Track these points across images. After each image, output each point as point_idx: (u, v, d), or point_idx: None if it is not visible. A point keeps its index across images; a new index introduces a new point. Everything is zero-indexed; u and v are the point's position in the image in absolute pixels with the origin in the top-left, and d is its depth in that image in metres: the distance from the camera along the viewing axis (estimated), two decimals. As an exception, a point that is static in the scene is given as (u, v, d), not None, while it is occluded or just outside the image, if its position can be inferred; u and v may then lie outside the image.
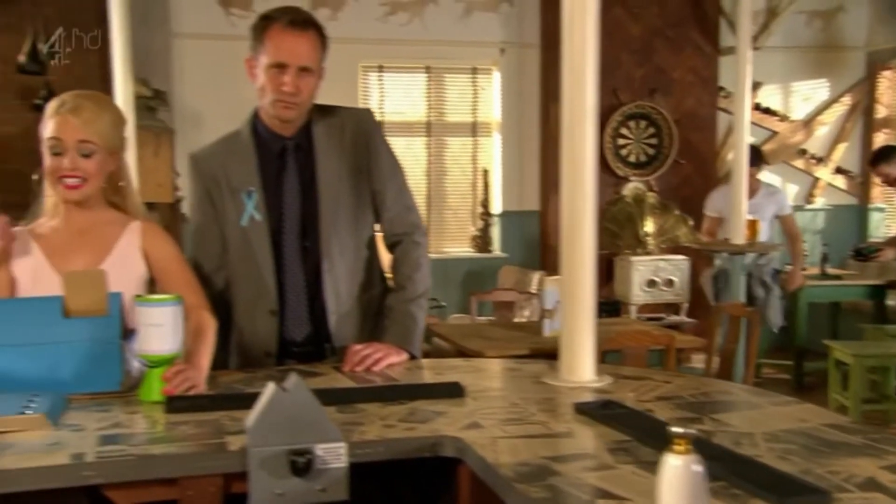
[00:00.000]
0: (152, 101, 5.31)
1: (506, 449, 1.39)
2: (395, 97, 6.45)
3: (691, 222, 6.48)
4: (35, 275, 1.86)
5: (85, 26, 5.90)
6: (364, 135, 2.12)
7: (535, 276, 5.85)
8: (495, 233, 6.74)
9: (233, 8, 6.14)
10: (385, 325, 2.08)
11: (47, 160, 1.86)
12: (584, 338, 1.85)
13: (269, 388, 1.40)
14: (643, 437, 1.41)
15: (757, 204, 5.39)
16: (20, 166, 5.98)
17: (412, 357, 2.05)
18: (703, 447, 1.09)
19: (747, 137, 4.98)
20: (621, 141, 6.46)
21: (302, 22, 2.00)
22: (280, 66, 1.98)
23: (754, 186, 5.39)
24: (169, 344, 1.68)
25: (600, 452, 1.37)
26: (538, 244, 6.77)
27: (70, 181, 1.84)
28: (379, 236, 2.20)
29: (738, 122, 4.96)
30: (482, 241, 6.61)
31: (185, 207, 5.89)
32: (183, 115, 6.04)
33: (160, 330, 1.67)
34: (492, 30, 6.48)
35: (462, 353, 3.59)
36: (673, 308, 6.49)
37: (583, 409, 1.60)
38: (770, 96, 6.81)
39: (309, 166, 2.08)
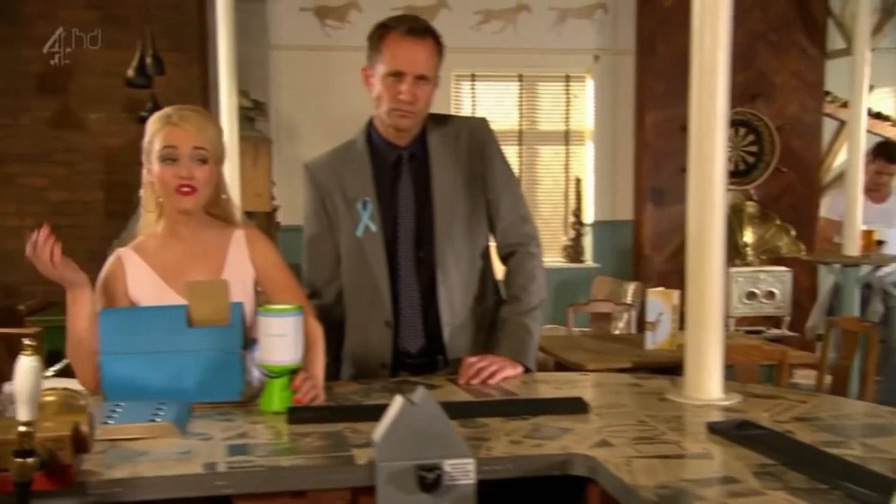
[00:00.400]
0: (251, 112, 5.43)
1: (642, 469, 1.33)
2: (487, 106, 6.42)
3: (793, 232, 6.25)
4: (156, 298, 1.86)
5: (188, 41, 6.09)
6: (479, 144, 2.10)
7: (630, 287, 5.72)
8: (587, 242, 6.63)
9: (328, 19, 6.23)
10: (499, 337, 2.04)
11: (160, 170, 1.84)
12: (711, 354, 1.77)
13: (397, 402, 1.38)
14: (790, 461, 1.33)
15: (887, 210, 4.98)
16: (126, 177, 6.21)
17: (527, 370, 2.00)
18: None
19: (863, 142, 4.76)
20: (719, 148, 6.27)
21: (420, 30, 1.99)
22: (397, 75, 1.97)
23: (885, 191, 4.97)
24: (291, 354, 1.68)
25: (745, 476, 1.29)
26: (631, 254, 6.63)
27: (186, 189, 1.85)
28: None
29: (853, 126, 4.74)
30: (574, 251, 6.52)
31: (280, 216, 5.99)
32: (279, 125, 6.16)
33: (282, 340, 1.66)
34: (585, 37, 6.39)
35: (562, 365, 3.52)
36: (773, 321, 6.27)
37: (717, 429, 1.52)
38: (882, 100, 6.50)
39: (424, 176, 2.06)
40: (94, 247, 6.21)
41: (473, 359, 1.94)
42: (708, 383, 1.76)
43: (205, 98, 6.14)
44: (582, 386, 1.90)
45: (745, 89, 6.22)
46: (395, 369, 2.06)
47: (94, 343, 1.78)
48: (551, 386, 1.92)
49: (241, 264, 1.94)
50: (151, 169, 1.88)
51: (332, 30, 6.24)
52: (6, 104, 5.85)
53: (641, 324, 5.33)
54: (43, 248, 1.69)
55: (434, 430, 1.37)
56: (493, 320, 2.10)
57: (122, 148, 6.10)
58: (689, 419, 1.64)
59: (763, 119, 6.20)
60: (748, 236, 6.12)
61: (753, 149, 6.27)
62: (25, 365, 1.15)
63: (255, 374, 1.80)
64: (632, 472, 1.32)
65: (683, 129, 6.82)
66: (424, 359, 2.06)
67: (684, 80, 7.05)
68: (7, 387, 1.87)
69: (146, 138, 1.88)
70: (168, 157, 1.84)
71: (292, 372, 1.70)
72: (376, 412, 1.66)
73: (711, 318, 1.78)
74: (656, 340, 3.71)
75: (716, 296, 1.78)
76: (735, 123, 6.25)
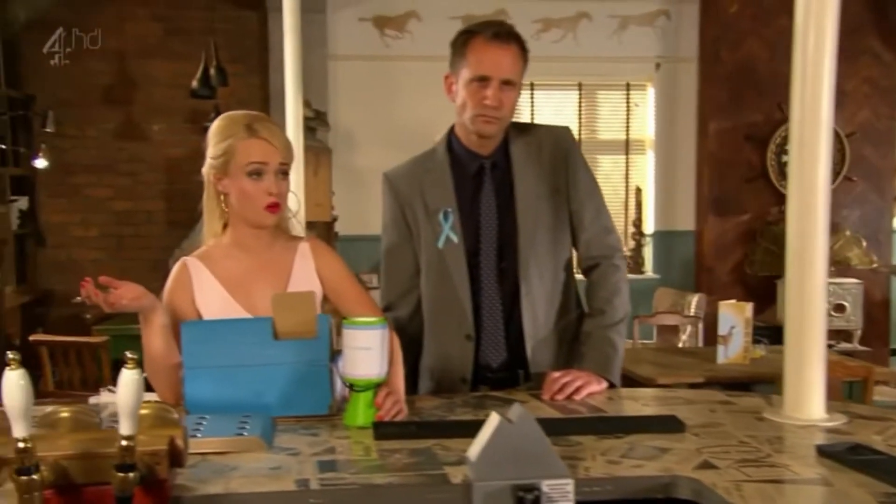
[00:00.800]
0: (313, 122, 5.44)
1: (755, 495, 1.26)
2: (545, 114, 6.36)
3: (864, 243, 6.06)
4: (221, 310, 1.83)
5: (249, 52, 6.16)
6: (562, 153, 2.04)
7: (693, 299, 5.59)
8: (647, 253, 6.52)
9: (387, 29, 6.24)
10: (582, 351, 1.98)
11: (246, 184, 1.79)
12: (813, 371, 1.68)
13: (493, 419, 1.32)
14: (917, 489, 1.25)
15: None
16: (187, 186, 6.28)
17: (611, 385, 1.94)
18: None
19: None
20: (786, 157, 6.09)
21: (505, 34, 1.95)
22: (482, 80, 1.92)
23: None
24: (376, 368, 1.64)
25: (870, 506, 1.21)
26: (692, 265, 6.49)
27: (273, 205, 1.81)
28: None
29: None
30: (634, 262, 6.41)
31: (338, 226, 6.00)
32: (336, 134, 6.18)
33: (368, 353, 1.62)
34: (647, 44, 6.30)
35: (631, 379, 3.44)
36: (843, 335, 6.08)
37: (827, 453, 1.44)
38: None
39: (506, 185, 2.01)
40: (155, 256, 6.36)
41: (557, 374, 1.88)
42: (809, 403, 1.68)
43: (265, 108, 6.19)
44: (671, 403, 1.82)
45: (813, 96, 6.06)
46: (475, 384, 2.01)
47: (170, 358, 1.77)
48: (639, 402, 1.85)
49: (307, 277, 1.90)
50: (227, 180, 1.82)
51: (391, 39, 6.24)
52: (74, 116, 5.98)
53: (708, 336, 5.21)
54: (95, 300, 1.67)
55: (532, 449, 1.32)
56: (575, 334, 2.04)
57: (184, 158, 6.18)
58: (794, 441, 1.55)
59: (833, 126, 6.02)
60: (816, 247, 5.94)
61: (821, 157, 6.09)
62: (128, 378, 1.13)
63: (337, 387, 1.76)
64: (744, 498, 1.24)
65: (747, 138, 6.69)
66: (505, 373, 2.01)
67: (749, 88, 6.94)
68: (97, 397, 1.87)
69: (217, 145, 1.82)
70: (256, 172, 1.80)
71: (377, 386, 1.66)
72: (463, 428, 1.62)
73: (813, 334, 1.69)
74: (728, 355, 3.61)
75: (818, 310, 1.70)
76: (802, 131, 6.08)
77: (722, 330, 3.62)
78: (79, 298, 1.69)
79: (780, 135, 6.05)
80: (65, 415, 1.30)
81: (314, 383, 1.69)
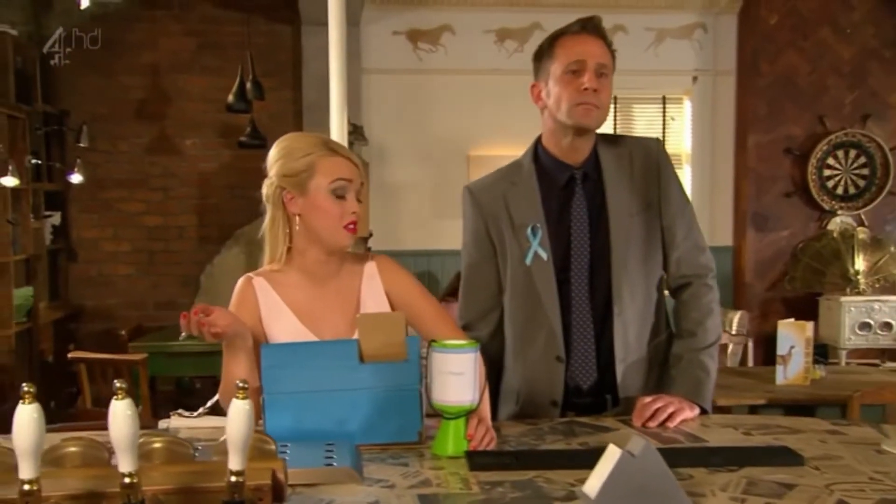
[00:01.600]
0: (351, 136, 5.37)
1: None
2: (580, 129, 6.27)
3: (910, 260, 5.92)
4: (292, 336, 1.75)
5: (281, 66, 6.11)
6: (653, 165, 1.94)
7: (735, 317, 5.47)
8: (685, 269, 6.40)
9: (421, 42, 6.17)
10: (672, 375, 1.87)
11: (329, 204, 1.71)
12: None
13: (613, 452, 1.23)
14: None
15: None
16: (218, 201, 6.22)
17: (702, 412, 1.83)
18: None
19: None
20: (827, 172, 6.00)
21: (594, 27, 1.88)
22: (577, 66, 1.83)
23: None
24: (468, 394, 1.54)
25: None
26: (731, 282, 6.36)
27: (353, 226, 1.75)
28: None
29: None
30: (672, 278, 6.29)
31: (371, 242, 5.91)
32: (370, 149, 6.10)
33: (460, 379, 1.53)
34: (684, 57, 6.21)
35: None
36: (889, 354, 5.93)
37: (969, 490, 1.33)
38: None
39: (598, 198, 1.91)
40: (187, 272, 6.29)
41: (648, 399, 1.78)
42: (931, 433, 1.57)
43: (298, 122, 6.14)
44: (775, 432, 1.71)
45: (856, 109, 5.96)
46: (564, 408, 1.91)
47: (251, 384, 1.68)
48: (739, 431, 1.74)
49: (376, 299, 1.81)
50: (303, 199, 1.73)
51: (425, 53, 6.18)
52: (107, 130, 5.94)
53: (757, 355, 5.09)
54: (198, 328, 1.58)
55: (657, 486, 1.22)
56: (665, 357, 1.93)
57: (215, 172, 6.13)
58: (925, 475, 1.45)
59: (875, 140, 5.91)
60: (859, 264, 5.81)
61: (864, 171, 5.98)
62: (239, 408, 1.04)
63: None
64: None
65: (787, 151, 6.57)
66: (594, 398, 1.90)
67: (789, 100, 6.79)
68: (167, 421, 1.78)
69: (293, 163, 1.73)
70: (340, 191, 1.72)
71: (468, 413, 1.56)
72: (563, 458, 1.53)
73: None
74: (788, 375, 3.49)
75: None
76: (845, 145, 5.97)
77: (781, 350, 3.49)
78: (183, 336, 1.64)
79: (821, 149, 5.94)
80: (157, 445, 1.21)
81: (404, 409, 1.59)
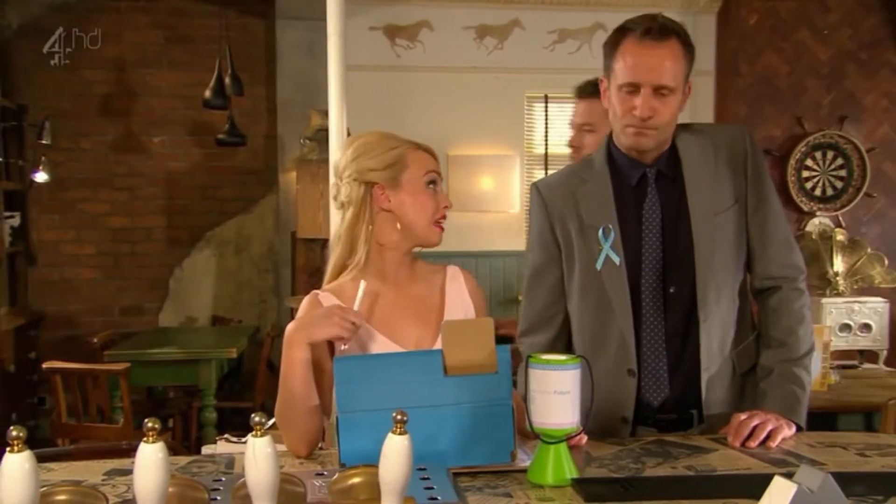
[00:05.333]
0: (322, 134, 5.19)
1: None
2: (560, 128, 6.18)
3: (887, 261, 5.97)
4: (368, 350, 1.62)
5: (255, 62, 5.88)
6: (740, 157, 1.80)
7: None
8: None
9: (399, 38, 6.01)
10: (764, 389, 1.74)
11: (426, 197, 1.65)
12: None
13: (784, 486, 1.10)
14: None
15: None
16: (188, 202, 5.96)
17: (798, 429, 1.72)
18: None
19: None
20: (806, 173, 6.02)
21: (659, 31, 1.69)
22: (631, 87, 1.71)
23: None
24: (571, 416, 1.40)
25: None
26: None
27: (443, 220, 1.67)
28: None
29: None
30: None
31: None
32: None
33: (563, 399, 1.38)
34: (664, 57, 6.16)
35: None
36: (868, 355, 5.98)
37: None
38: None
39: (675, 197, 1.77)
40: (154, 275, 6.01)
41: (744, 416, 1.65)
42: None
43: (272, 119, 5.93)
44: (889, 452, 1.59)
45: (833, 111, 5.99)
46: (635, 424, 1.78)
47: (310, 400, 1.54)
48: (851, 451, 1.60)
49: (462, 305, 1.70)
50: (395, 193, 1.63)
51: (403, 49, 6.01)
52: (69, 128, 5.64)
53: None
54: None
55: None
56: (751, 367, 1.81)
57: (185, 172, 5.88)
58: None
59: (852, 142, 5.94)
60: (838, 265, 5.84)
61: (841, 173, 6.01)
62: (259, 449, 0.88)
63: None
64: None
65: (767, 152, 6.54)
66: (671, 413, 1.77)
67: (768, 101, 6.76)
68: (212, 447, 1.60)
69: (380, 156, 1.63)
70: (433, 182, 1.65)
71: (568, 437, 1.42)
72: (678, 486, 1.39)
73: None
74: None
75: None
76: (822, 146, 6.00)
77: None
78: None
79: (799, 150, 5.96)
80: (170, 490, 1.03)
81: (495, 427, 1.44)
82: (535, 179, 2.28)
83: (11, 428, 0.81)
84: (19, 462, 0.79)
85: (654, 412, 1.78)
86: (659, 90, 1.70)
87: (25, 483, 0.80)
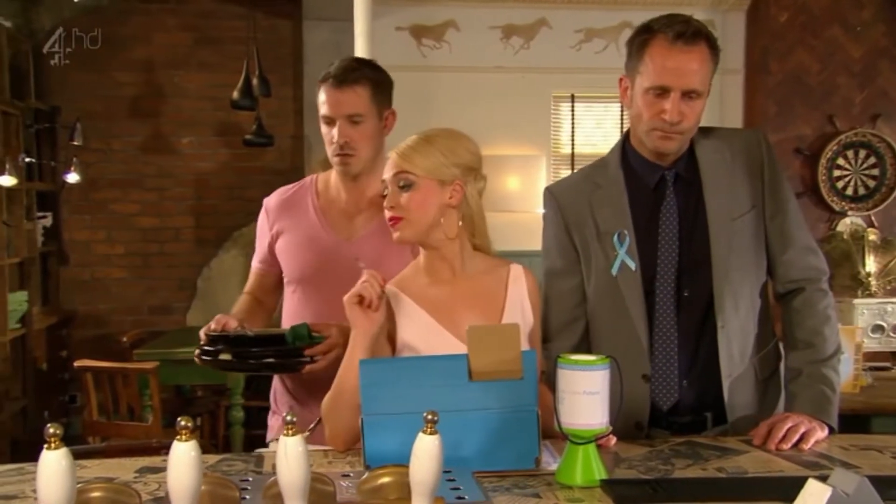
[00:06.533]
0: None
1: None
2: (587, 128, 6.15)
3: (921, 261, 5.88)
4: (429, 343, 1.62)
5: (282, 63, 5.91)
6: (756, 161, 1.79)
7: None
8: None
9: (425, 38, 6.01)
10: (793, 391, 1.73)
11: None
12: None
13: (818, 489, 1.09)
14: None
15: None
16: (216, 202, 6.00)
17: (830, 431, 1.69)
18: None
19: None
20: (837, 172, 5.94)
21: (691, 35, 1.68)
22: (661, 91, 1.69)
23: None
24: (600, 416, 1.39)
25: None
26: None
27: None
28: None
29: None
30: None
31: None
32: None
33: (592, 399, 1.38)
34: (692, 55, 6.11)
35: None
36: (900, 356, 5.88)
37: None
38: None
39: (693, 201, 1.76)
40: (183, 275, 6.07)
41: (776, 418, 1.63)
42: None
43: (299, 120, 5.96)
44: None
45: (865, 109, 5.90)
46: (648, 427, 1.76)
47: (358, 396, 1.54)
48: (887, 455, 1.57)
49: (522, 306, 1.69)
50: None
51: (429, 49, 6.02)
52: (100, 129, 5.71)
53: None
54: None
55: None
56: (774, 370, 1.79)
57: (213, 172, 5.93)
58: None
59: (885, 140, 5.86)
60: (870, 265, 5.76)
61: (874, 172, 5.93)
62: (291, 448, 0.87)
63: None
64: None
65: (797, 151, 6.46)
66: (688, 416, 1.76)
67: (798, 99, 6.66)
68: (267, 450, 1.62)
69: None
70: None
71: (597, 438, 1.41)
72: (709, 488, 1.38)
73: None
74: (834, 381, 3.39)
75: None
76: (854, 145, 5.92)
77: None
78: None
79: (831, 149, 5.88)
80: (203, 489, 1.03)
81: (520, 433, 1.45)
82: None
83: (49, 425, 0.82)
84: (56, 459, 0.80)
85: (665, 415, 1.76)
86: (688, 94, 1.69)
87: (63, 479, 0.81)
